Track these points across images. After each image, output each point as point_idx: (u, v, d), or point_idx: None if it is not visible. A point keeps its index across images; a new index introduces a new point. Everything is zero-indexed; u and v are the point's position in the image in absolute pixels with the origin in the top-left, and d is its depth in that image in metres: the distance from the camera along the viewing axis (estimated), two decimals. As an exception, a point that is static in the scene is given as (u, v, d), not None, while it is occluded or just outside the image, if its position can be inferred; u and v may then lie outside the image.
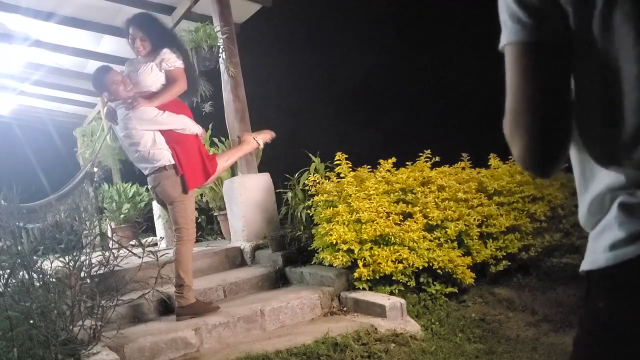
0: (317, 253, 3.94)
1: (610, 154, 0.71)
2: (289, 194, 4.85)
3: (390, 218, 3.89)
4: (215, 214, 5.98)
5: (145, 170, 3.61)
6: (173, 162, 3.48)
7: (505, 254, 4.13)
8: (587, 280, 0.77)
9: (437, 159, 4.56)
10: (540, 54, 0.72)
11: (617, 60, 0.68)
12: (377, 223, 3.75)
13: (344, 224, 3.76)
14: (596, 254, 0.73)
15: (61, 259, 2.88)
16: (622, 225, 0.70)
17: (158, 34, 3.68)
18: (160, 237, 6.26)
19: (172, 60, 3.59)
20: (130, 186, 7.56)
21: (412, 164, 4.52)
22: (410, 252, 3.71)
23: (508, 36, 0.75)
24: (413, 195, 4.15)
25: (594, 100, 0.72)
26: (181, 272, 3.45)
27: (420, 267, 3.70)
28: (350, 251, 3.67)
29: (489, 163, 4.85)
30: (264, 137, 4.15)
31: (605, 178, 0.72)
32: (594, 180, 0.75)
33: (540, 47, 0.72)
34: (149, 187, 3.72)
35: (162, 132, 3.50)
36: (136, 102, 3.45)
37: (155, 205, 6.28)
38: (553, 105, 0.72)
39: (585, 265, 0.76)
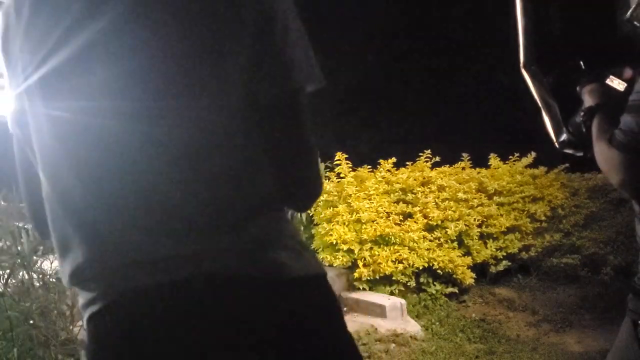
0: (317, 253, 3.94)
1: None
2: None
3: (391, 218, 3.89)
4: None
5: None
6: None
7: (505, 254, 4.13)
8: None
9: (437, 159, 4.55)
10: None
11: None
12: (377, 223, 3.75)
13: (344, 224, 3.76)
14: None
15: (61, 259, 2.87)
16: None
17: None
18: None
19: None
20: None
21: (412, 164, 4.52)
22: (410, 252, 3.71)
23: None
24: (413, 196, 4.14)
25: None
26: None
27: (421, 267, 3.70)
28: (350, 251, 3.67)
29: (489, 163, 4.85)
30: None
31: None
32: None
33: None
34: None
35: None
36: None
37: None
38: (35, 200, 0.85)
39: None
